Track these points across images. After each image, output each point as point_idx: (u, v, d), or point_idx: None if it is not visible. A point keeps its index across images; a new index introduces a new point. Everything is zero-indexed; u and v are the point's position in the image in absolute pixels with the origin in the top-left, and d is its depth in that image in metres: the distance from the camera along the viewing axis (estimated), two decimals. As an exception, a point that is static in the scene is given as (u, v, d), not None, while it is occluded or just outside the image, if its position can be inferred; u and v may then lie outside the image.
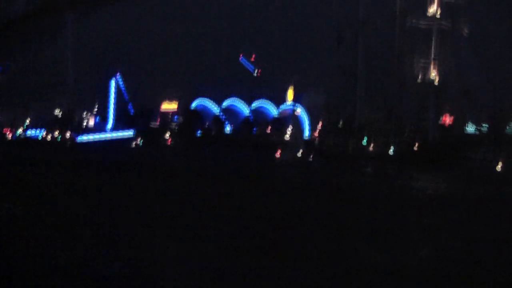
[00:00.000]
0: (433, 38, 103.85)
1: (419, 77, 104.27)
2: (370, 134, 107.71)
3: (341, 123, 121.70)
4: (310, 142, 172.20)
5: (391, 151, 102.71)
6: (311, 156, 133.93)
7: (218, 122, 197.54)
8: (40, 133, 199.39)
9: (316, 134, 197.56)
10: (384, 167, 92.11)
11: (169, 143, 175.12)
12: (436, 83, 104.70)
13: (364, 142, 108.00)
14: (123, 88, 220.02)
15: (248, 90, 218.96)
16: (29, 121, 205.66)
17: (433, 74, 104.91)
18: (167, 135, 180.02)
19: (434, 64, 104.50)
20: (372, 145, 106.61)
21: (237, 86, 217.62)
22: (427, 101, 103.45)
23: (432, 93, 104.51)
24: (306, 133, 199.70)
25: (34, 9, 41.22)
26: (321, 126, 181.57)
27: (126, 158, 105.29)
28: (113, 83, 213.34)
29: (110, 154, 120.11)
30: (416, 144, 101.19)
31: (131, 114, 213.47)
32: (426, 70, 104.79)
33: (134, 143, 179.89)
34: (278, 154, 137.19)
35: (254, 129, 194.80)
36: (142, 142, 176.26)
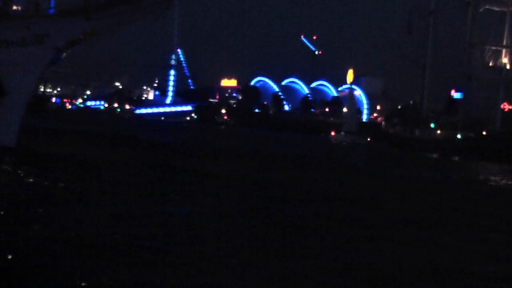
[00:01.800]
0: (506, 23, 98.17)
1: (490, 64, 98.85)
2: (436, 123, 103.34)
3: (404, 109, 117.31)
4: (368, 124, 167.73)
5: (456, 140, 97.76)
6: (369, 138, 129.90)
7: (277, 100, 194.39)
8: (101, 105, 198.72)
9: (374, 116, 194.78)
10: (450, 157, 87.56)
11: (226, 119, 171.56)
12: (507, 69, 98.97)
13: (430, 129, 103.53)
14: (184, 64, 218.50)
15: (308, 69, 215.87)
16: (90, 93, 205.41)
17: (505, 61, 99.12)
18: (224, 111, 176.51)
19: (506, 51, 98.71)
20: (437, 133, 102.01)
21: (297, 65, 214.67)
22: (496, 89, 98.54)
23: (502, 80, 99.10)
24: (364, 115, 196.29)
25: None
26: (382, 110, 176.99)
27: (180, 133, 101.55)
28: (174, 59, 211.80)
29: (164, 128, 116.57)
30: (483, 133, 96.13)
31: (191, 89, 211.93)
32: (497, 57, 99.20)
33: (188, 117, 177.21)
34: (333, 133, 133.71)
35: (313, 108, 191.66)
36: (198, 118, 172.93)
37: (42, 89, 46.91)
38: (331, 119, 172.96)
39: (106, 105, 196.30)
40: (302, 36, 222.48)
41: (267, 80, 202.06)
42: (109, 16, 41.38)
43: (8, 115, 40.31)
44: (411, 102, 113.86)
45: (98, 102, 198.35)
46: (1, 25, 41.77)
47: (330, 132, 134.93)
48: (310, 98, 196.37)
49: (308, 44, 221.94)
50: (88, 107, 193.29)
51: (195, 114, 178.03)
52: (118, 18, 41.63)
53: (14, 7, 46.01)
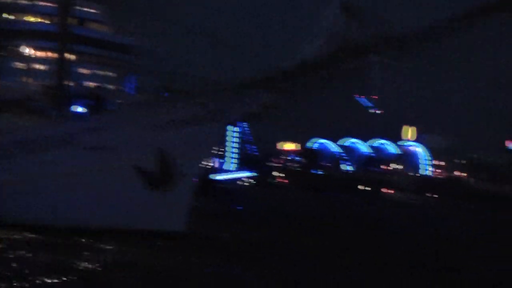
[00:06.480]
0: None
1: None
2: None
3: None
4: (430, 180, 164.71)
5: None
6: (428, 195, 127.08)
7: (337, 161, 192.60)
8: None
9: (437, 172, 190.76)
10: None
11: (286, 182, 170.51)
12: None
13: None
14: (247, 130, 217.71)
15: (368, 128, 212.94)
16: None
17: None
18: (282, 174, 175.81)
19: None
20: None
21: (355, 124, 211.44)
22: None
23: None
24: (429, 172, 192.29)
25: (331, 52, 36.16)
26: (445, 166, 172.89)
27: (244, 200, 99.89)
28: (239, 127, 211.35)
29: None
30: None
31: (255, 155, 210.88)
32: None
33: (247, 182, 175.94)
34: (386, 190, 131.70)
35: (375, 167, 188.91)
36: (258, 182, 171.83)
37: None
38: (395, 177, 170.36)
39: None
40: (356, 96, 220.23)
41: (326, 141, 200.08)
42: (294, 86, 36.96)
43: (176, 197, 35.41)
44: (474, 156, 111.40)
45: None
46: (174, 103, 37.04)
47: (381, 190, 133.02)
48: (372, 157, 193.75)
49: (366, 103, 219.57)
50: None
51: (255, 179, 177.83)
52: (304, 88, 37.22)
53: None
